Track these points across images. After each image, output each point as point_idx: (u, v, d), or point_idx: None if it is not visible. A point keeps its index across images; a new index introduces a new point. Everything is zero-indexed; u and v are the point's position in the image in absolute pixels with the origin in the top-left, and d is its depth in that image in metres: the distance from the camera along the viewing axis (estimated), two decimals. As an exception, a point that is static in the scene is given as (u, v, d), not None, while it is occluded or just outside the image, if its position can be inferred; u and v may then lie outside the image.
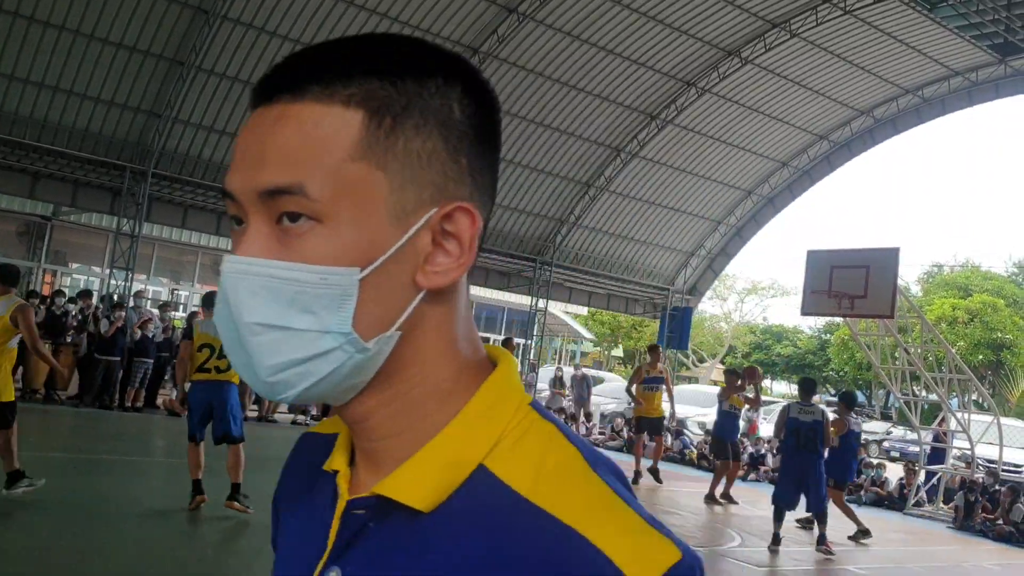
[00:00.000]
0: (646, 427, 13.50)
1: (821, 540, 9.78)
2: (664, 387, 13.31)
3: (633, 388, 13.68)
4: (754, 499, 15.01)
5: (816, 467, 9.84)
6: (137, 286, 17.81)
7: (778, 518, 9.70)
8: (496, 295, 26.45)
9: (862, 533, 11.08)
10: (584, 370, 24.74)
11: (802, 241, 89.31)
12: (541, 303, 22.73)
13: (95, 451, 10.67)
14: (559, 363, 40.67)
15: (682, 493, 13.35)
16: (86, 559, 5.91)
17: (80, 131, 16.15)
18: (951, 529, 14.23)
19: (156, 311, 17.20)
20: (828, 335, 50.63)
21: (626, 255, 24.23)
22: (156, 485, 9.18)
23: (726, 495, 12.86)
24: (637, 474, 13.11)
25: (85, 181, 17.18)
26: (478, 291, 25.63)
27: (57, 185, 17.23)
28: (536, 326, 22.96)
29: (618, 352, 59.23)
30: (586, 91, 19.98)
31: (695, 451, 19.44)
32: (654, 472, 13.17)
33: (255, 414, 16.89)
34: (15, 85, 15.34)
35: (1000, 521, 14.01)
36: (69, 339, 15.02)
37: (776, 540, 9.56)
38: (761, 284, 54.26)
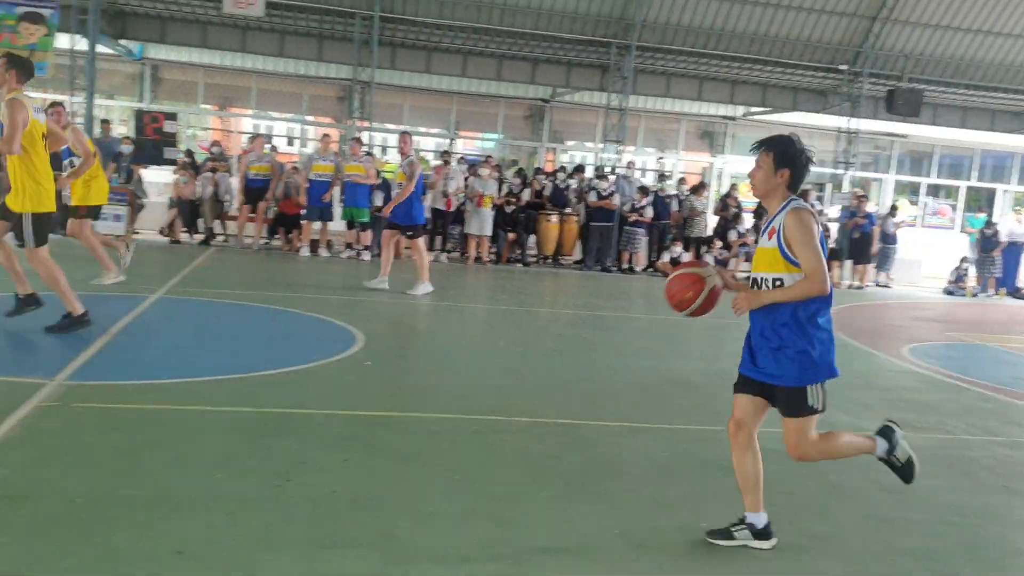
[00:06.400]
0: None
1: None
2: None
3: None
4: None
5: None
6: (627, 158, 18.79)
7: None
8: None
9: None
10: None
11: None
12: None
13: (600, 308, 11.72)
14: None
15: None
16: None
17: (571, 13, 17.17)
18: None
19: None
20: None
21: (990, 55, 18.82)
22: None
23: None
24: None
25: (577, 62, 18.39)
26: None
27: (553, 69, 18.68)
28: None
29: None
30: None
31: None
32: None
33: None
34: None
35: None
36: (569, 209, 16.44)
37: None
38: None
